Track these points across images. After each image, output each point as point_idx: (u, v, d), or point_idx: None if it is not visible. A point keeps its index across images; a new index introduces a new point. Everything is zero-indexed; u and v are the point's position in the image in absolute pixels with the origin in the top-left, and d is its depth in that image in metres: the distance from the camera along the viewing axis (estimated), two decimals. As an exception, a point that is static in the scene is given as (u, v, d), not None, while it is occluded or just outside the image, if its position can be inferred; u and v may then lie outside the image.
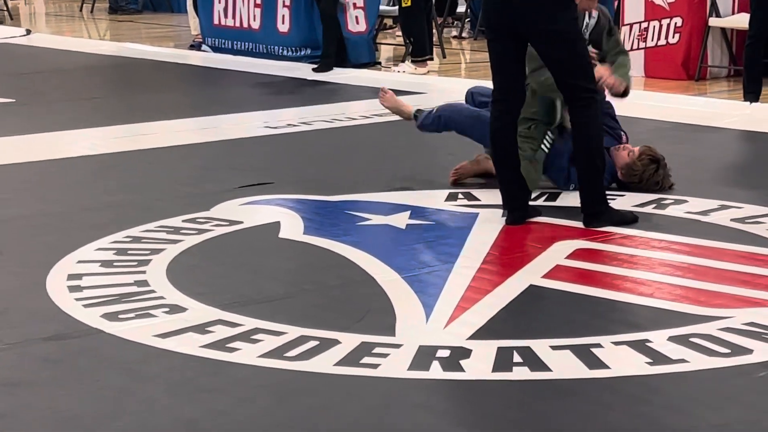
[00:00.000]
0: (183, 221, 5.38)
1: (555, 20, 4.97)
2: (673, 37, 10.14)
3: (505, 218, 5.24)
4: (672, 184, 5.77)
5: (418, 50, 11.08)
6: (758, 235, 4.97)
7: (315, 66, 10.70)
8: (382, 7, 12.33)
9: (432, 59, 11.33)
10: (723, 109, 8.21)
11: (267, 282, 4.60)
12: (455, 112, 6.02)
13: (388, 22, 13.89)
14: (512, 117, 5.22)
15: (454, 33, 14.72)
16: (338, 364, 3.64)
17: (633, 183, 5.74)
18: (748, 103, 8.29)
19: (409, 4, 10.89)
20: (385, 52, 12.92)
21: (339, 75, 10.49)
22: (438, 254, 4.87)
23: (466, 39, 14.34)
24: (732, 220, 5.24)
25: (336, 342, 3.80)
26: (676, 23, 10.09)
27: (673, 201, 5.58)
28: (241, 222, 5.37)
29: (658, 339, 3.78)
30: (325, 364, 3.64)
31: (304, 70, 10.74)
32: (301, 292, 4.46)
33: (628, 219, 5.12)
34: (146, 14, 17.53)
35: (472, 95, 6.23)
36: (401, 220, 5.38)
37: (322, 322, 4.00)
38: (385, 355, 3.69)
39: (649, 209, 5.47)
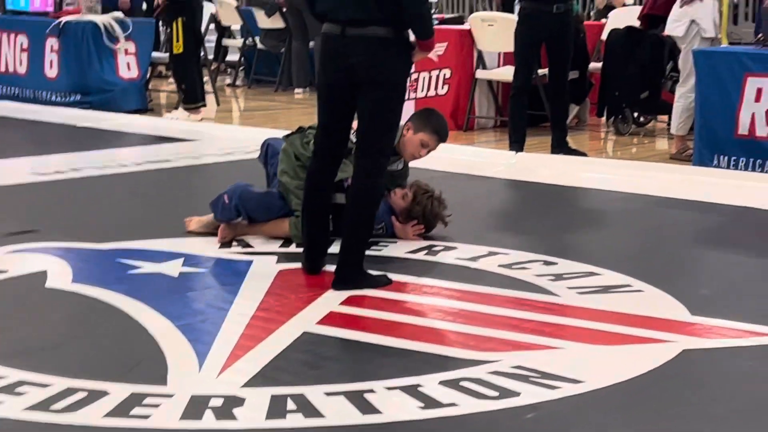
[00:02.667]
0: (-57, 270, 5.16)
1: (391, 67, 4.90)
2: (442, 88, 10.42)
3: (302, 265, 5.22)
4: (450, 214, 5.91)
5: (191, 97, 11.03)
6: (524, 281, 5.11)
7: None
8: (154, 54, 12.23)
9: (205, 106, 11.28)
10: (490, 159, 8.46)
11: (33, 332, 4.44)
12: (246, 200, 5.78)
13: (162, 69, 13.78)
14: (331, 167, 5.16)
15: (228, 81, 14.73)
16: (107, 415, 3.54)
17: (418, 224, 5.84)
18: (514, 152, 8.57)
19: (180, 51, 10.83)
20: (159, 98, 12.80)
21: (111, 121, 10.33)
22: (212, 302, 4.82)
23: (240, 87, 14.37)
24: (500, 266, 5.38)
25: (104, 393, 3.69)
26: (444, 75, 10.37)
27: (443, 248, 5.70)
28: (6, 271, 5.18)
29: (430, 383, 3.83)
30: (93, 416, 3.53)
31: (73, 116, 10.51)
32: (68, 342, 4.33)
33: (381, 283, 5.01)
34: None
35: (267, 149, 6.10)
36: (174, 267, 5.30)
37: (90, 373, 3.88)
38: (156, 405, 3.61)
39: (420, 256, 5.57)
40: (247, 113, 12.45)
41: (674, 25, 8.78)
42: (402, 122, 5.45)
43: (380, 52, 4.88)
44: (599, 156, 9.20)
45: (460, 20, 11.41)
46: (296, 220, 5.58)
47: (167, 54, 11.54)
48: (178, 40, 10.78)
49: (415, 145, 5.79)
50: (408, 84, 5.15)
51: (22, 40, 11.98)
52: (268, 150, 6.09)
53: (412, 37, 4.96)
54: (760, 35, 8.42)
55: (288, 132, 6.00)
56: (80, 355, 4.19)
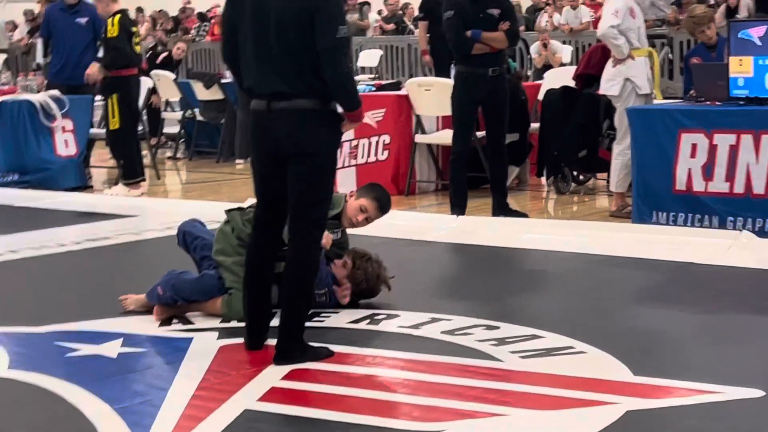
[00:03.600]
0: None
1: (317, 139, 4.88)
2: (383, 153, 10.44)
3: (244, 340, 5.15)
4: (392, 276, 5.89)
5: (130, 172, 10.97)
6: (468, 347, 5.08)
7: None
8: (92, 130, 12.18)
9: (144, 180, 11.22)
10: (432, 223, 8.44)
11: (-32, 423, 4.35)
12: (180, 289, 5.68)
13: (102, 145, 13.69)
14: (272, 240, 5.10)
15: (169, 153, 14.67)
16: (44, 507, 3.46)
17: (362, 288, 5.80)
18: (456, 216, 8.56)
19: (117, 126, 10.78)
20: (98, 175, 12.72)
21: (49, 200, 10.23)
22: (152, 382, 4.74)
23: (181, 159, 14.32)
24: (442, 332, 5.34)
25: (41, 483, 3.62)
26: (384, 140, 10.40)
27: (385, 316, 5.66)
28: (-60, 359, 5.09)
29: (374, 457, 3.79)
30: (29, 508, 3.46)
31: (11, 196, 10.41)
32: (4, 431, 4.23)
33: (322, 355, 4.96)
34: None
35: (184, 236, 6.00)
36: (113, 348, 5.22)
37: (26, 463, 3.81)
38: (94, 494, 3.54)
39: (362, 325, 5.53)
40: (188, 186, 12.39)
41: (609, 85, 8.87)
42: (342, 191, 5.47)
43: (306, 124, 4.86)
44: (541, 216, 9.24)
45: (398, 86, 11.46)
46: (229, 299, 5.55)
47: (105, 130, 11.48)
48: (114, 116, 10.74)
49: (354, 210, 5.78)
50: (338, 155, 5.12)
51: (-43, 121, 11.88)
52: (186, 237, 5.99)
53: (340, 109, 4.96)
54: (691, 91, 8.52)
55: (230, 207, 5.96)
56: (16, 444, 4.10)
